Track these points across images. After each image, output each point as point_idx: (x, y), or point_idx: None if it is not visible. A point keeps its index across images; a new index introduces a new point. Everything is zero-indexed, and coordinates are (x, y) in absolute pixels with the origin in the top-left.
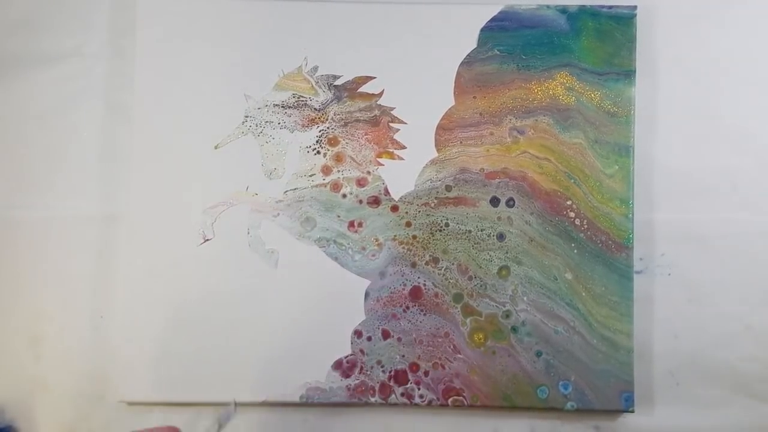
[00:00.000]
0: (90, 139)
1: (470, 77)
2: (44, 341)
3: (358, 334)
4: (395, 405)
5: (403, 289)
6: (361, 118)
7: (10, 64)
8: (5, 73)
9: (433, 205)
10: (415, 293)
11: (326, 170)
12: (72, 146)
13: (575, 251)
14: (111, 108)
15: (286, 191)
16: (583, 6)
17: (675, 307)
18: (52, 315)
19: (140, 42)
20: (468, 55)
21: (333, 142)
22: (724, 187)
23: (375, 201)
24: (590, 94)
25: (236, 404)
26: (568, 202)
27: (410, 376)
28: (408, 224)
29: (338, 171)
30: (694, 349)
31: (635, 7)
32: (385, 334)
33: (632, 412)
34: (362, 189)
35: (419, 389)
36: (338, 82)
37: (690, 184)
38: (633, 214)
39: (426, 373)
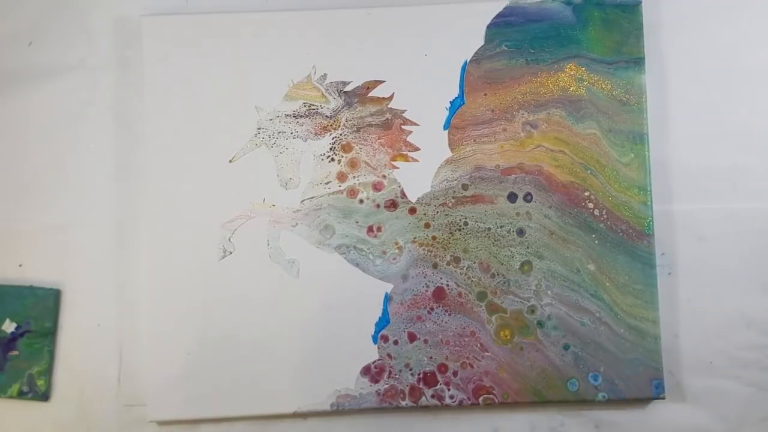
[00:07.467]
0: (99, 152)
1: (479, 74)
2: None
3: (384, 338)
4: (426, 407)
5: (426, 291)
6: (373, 123)
7: (12, 78)
8: (8, 86)
9: (450, 204)
10: (439, 294)
11: (342, 177)
12: (81, 160)
13: (596, 242)
14: (120, 120)
15: (303, 200)
16: None
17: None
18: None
19: (147, 58)
20: (476, 52)
21: (346, 148)
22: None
23: (392, 204)
24: (601, 83)
25: None
26: (586, 193)
27: (439, 377)
28: (427, 225)
29: (354, 177)
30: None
31: None
32: (411, 337)
33: (663, 398)
34: (379, 193)
35: (449, 390)
36: (348, 89)
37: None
38: (652, 202)
39: (455, 374)
